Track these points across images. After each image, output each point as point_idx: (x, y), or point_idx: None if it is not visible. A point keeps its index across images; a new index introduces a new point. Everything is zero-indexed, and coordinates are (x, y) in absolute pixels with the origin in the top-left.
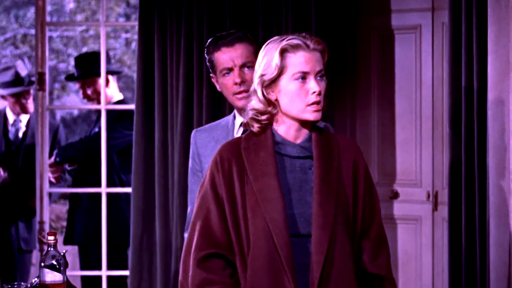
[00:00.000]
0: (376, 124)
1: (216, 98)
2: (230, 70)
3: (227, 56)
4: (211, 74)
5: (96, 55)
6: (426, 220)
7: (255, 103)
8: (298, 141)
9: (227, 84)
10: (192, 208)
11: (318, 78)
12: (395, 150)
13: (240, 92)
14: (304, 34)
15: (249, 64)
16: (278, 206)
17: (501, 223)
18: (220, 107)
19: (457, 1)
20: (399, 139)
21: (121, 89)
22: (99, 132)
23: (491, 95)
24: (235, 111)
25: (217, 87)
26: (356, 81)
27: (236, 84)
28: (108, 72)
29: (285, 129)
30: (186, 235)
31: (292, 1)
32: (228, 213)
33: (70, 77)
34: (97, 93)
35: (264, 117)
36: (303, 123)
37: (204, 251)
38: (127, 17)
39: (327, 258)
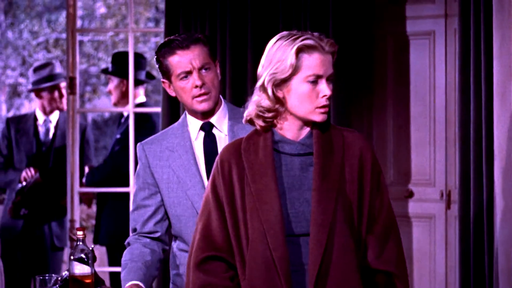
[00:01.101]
0: (391, 126)
1: (239, 100)
2: (188, 73)
3: (185, 59)
4: (162, 79)
5: (137, 56)
6: (440, 218)
7: (263, 100)
8: (299, 139)
9: (185, 88)
10: (133, 226)
11: (329, 81)
12: (410, 151)
13: (201, 95)
14: (317, 34)
15: (207, 66)
16: (274, 207)
17: (507, 221)
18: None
19: (466, 8)
20: (414, 141)
21: (150, 92)
22: (120, 149)
23: (496, 98)
24: (186, 116)
25: (170, 92)
26: (372, 84)
27: (196, 87)
28: (140, 81)
29: (286, 127)
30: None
31: (311, 7)
32: (228, 215)
33: (104, 71)
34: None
35: (270, 114)
36: (307, 122)
37: (203, 254)
38: (156, 21)
39: (325, 256)
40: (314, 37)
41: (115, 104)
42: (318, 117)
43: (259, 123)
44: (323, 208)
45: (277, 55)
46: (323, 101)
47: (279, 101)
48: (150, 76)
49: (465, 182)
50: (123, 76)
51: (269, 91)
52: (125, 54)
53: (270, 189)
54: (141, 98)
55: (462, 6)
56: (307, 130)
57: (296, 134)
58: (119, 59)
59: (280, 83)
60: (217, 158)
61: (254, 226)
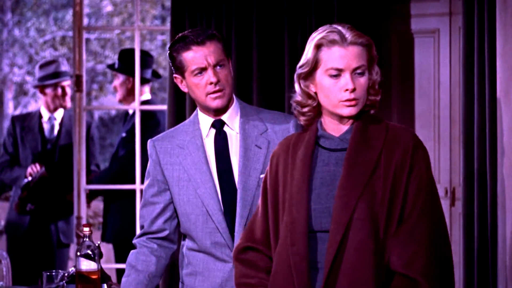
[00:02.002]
0: (396, 123)
1: (245, 99)
2: (203, 69)
3: (200, 55)
4: (174, 75)
5: (143, 54)
6: (444, 215)
7: (296, 95)
8: (339, 134)
9: (199, 84)
10: (141, 223)
11: (356, 74)
12: None
13: (215, 92)
14: (347, 26)
15: (222, 62)
16: (301, 202)
17: (510, 219)
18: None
19: (470, 6)
20: None
21: (156, 90)
22: (126, 154)
23: (500, 96)
24: (198, 113)
25: (182, 88)
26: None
27: (211, 83)
28: (146, 80)
29: (327, 122)
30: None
31: (315, 5)
32: (270, 209)
33: (111, 67)
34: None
35: (305, 109)
36: (344, 116)
37: (242, 244)
38: (163, 19)
39: (338, 253)
40: (339, 29)
41: (120, 101)
42: (344, 111)
43: (301, 118)
44: (344, 205)
45: (304, 50)
46: (346, 95)
47: (310, 96)
48: (156, 75)
49: (469, 180)
50: (129, 73)
51: (297, 86)
52: (132, 51)
53: (301, 184)
54: (146, 96)
55: (466, 5)
56: (348, 124)
57: (337, 129)
58: (126, 56)
59: (306, 77)
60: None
61: (284, 220)
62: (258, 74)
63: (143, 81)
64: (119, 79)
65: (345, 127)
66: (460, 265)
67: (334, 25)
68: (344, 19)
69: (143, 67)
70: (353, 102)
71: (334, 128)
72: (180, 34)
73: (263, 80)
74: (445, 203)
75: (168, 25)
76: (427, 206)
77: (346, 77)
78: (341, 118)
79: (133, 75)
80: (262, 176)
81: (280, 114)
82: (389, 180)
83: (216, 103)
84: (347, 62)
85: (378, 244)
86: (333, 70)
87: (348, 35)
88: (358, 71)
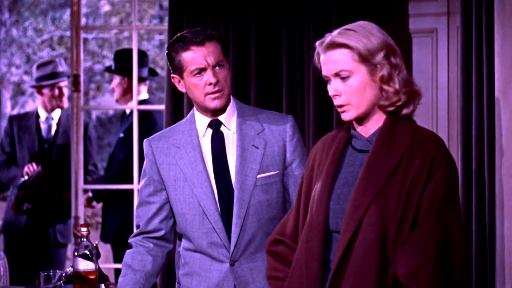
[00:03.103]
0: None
1: (243, 99)
2: (202, 70)
3: (199, 56)
4: (172, 75)
5: (138, 54)
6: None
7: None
8: (368, 134)
9: (198, 84)
10: (137, 223)
11: (340, 78)
12: None
13: (214, 92)
14: (337, 30)
15: (221, 63)
16: (322, 202)
17: (509, 218)
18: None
19: (468, 6)
20: None
21: (154, 90)
22: (124, 155)
23: (498, 95)
24: (194, 113)
25: (179, 88)
26: None
27: (210, 84)
28: (142, 79)
29: (358, 121)
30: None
31: (313, 5)
32: (302, 205)
33: (108, 69)
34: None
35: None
36: (372, 116)
37: (273, 236)
38: (161, 19)
39: (345, 257)
40: (326, 36)
41: (117, 101)
42: (345, 116)
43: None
44: (355, 208)
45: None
46: (333, 100)
47: None
48: (152, 73)
49: (468, 179)
50: (125, 74)
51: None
52: (127, 51)
53: (325, 183)
54: (144, 95)
55: (464, 4)
56: (378, 125)
57: (367, 129)
58: (121, 57)
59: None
60: None
61: (307, 219)
62: (256, 74)
63: (140, 80)
64: (116, 80)
65: (374, 128)
66: None
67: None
68: (342, 19)
69: (139, 66)
70: (338, 105)
71: (364, 129)
72: (178, 34)
73: (261, 80)
74: None
75: (166, 25)
76: (440, 216)
77: (332, 82)
78: (370, 120)
79: (128, 75)
80: (259, 176)
81: (277, 114)
82: (406, 186)
83: (214, 104)
84: (328, 68)
85: (384, 252)
86: (325, 77)
87: (323, 40)
88: (339, 75)
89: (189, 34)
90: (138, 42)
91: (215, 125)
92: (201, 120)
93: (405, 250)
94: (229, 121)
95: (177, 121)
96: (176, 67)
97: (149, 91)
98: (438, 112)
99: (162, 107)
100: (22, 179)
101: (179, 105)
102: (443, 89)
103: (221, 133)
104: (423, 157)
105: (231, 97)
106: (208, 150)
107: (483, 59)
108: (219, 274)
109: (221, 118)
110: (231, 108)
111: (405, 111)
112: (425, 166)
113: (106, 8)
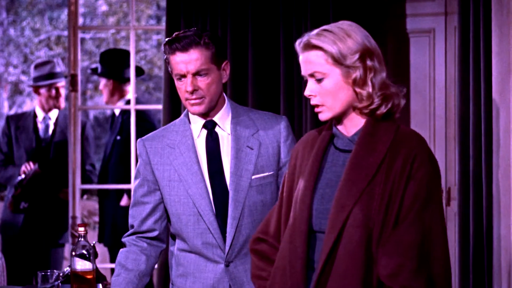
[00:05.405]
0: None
1: (240, 99)
2: (183, 76)
3: (181, 62)
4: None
5: (122, 54)
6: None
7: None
8: (350, 134)
9: (180, 88)
10: (131, 222)
11: (315, 80)
12: None
13: (193, 99)
14: (315, 31)
15: (204, 72)
16: (305, 201)
17: (506, 217)
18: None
19: (465, 6)
20: None
21: (152, 90)
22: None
23: (495, 95)
24: (188, 113)
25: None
26: None
27: (187, 92)
28: (125, 79)
29: (339, 120)
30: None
31: (311, 5)
32: (284, 204)
33: (94, 71)
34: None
35: None
36: (349, 115)
37: (255, 235)
38: (158, 19)
39: (330, 258)
40: (305, 36)
41: (107, 103)
42: (321, 116)
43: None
44: (339, 209)
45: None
46: (310, 101)
47: None
48: (138, 72)
49: (465, 179)
50: (109, 76)
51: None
52: (110, 52)
53: (307, 183)
54: (131, 95)
55: (462, 4)
56: (360, 125)
57: (348, 129)
58: (105, 59)
59: None
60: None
61: (290, 218)
62: (253, 74)
63: (125, 81)
64: (103, 82)
65: (356, 128)
66: (455, 265)
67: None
68: (340, 19)
69: (124, 66)
70: (317, 108)
71: (346, 128)
72: (174, 35)
73: (258, 80)
74: None
75: (163, 25)
76: (421, 216)
77: (309, 82)
78: (352, 119)
79: (112, 77)
80: (254, 177)
81: (271, 114)
82: (388, 186)
83: (193, 109)
84: (305, 68)
85: (369, 252)
86: (304, 76)
87: (301, 40)
88: (314, 76)
89: (177, 38)
90: (136, 42)
91: (210, 126)
92: (196, 121)
93: (386, 251)
94: (224, 122)
95: (174, 120)
96: (169, 67)
97: (147, 90)
98: (436, 111)
99: (159, 106)
100: (19, 178)
101: (176, 105)
102: (441, 88)
103: (216, 134)
104: (405, 156)
105: (226, 98)
106: (203, 151)
107: (480, 59)
108: (214, 275)
109: (215, 119)
110: (226, 109)
111: (378, 112)
112: (407, 165)
113: (104, 8)
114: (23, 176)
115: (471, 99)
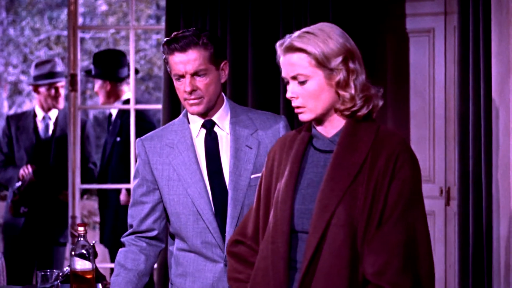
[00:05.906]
0: (391, 123)
1: (240, 98)
2: (181, 76)
3: (179, 62)
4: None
5: (116, 54)
6: (439, 215)
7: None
8: (330, 135)
9: (179, 88)
10: (130, 222)
11: (297, 82)
12: None
13: (191, 99)
14: (297, 33)
15: (202, 72)
16: (286, 202)
17: (505, 217)
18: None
19: (465, 6)
20: (413, 137)
21: (151, 89)
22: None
23: (494, 95)
24: (187, 112)
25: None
26: (372, 81)
27: (185, 92)
28: (120, 78)
29: (316, 121)
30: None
31: (311, 5)
32: (262, 205)
33: (88, 73)
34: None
35: None
36: (330, 117)
37: (233, 237)
38: (158, 18)
39: (314, 257)
40: (286, 38)
41: (103, 104)
42: (302, 117)
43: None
44: (323, 209)
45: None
46: (291, 101)
47: None
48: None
49: (464, 179)
50: (104, 77)
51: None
52: (105, 53)
53: (288, 183)
54: (128, 95)
55: (461, 4)
56: (340, 126)
57: (328, 130)
58: (99, 60)
59: None
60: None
61: (270, 219)
62: (253, 73)
63: (121, 80)
64: (97, 83)
65: (336, 129)
66: (455, 265)
67: (295, 32)
68: (339, 19)
69: (118, 66)
70: (297, 109)
71: (326, 129)
72: (173, 35)
73: (258, 80)
74: (440, 203)
75: (163, 25)
76: (405, 215)
77: (289, 85)
78: (331, 120)
79: (108, 78)
80: (253, 176)
81: (270, 114)
82: (371, 185)
83: (192, 109)
84: (286, 71)
85: (355, 251)
86: (285, 79)
87: (282, 42)
88: (296, 79)
89: (176, 38)
90: (135, 42)
91: (209, 125)
92: (195, 120)
93: (371, 249)
94: (223, 122)
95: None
96: (168, 67)
97: (146, 90)
98: (435, 111)
99: (159, 106)
100: (17, 184)
101: (176, 105)
102: (440, 88)
103: (215, 134)
104: (387, 156)
105: (225, 98)
106: (202, 150)
107: (480, 58)
108: (213, 274)
109: (214, 118)
110: (224, 108)
111: (359, 114)
112: (390, 164)
113: (103, 7)
114: (20, 183)
115: (470, 99)
